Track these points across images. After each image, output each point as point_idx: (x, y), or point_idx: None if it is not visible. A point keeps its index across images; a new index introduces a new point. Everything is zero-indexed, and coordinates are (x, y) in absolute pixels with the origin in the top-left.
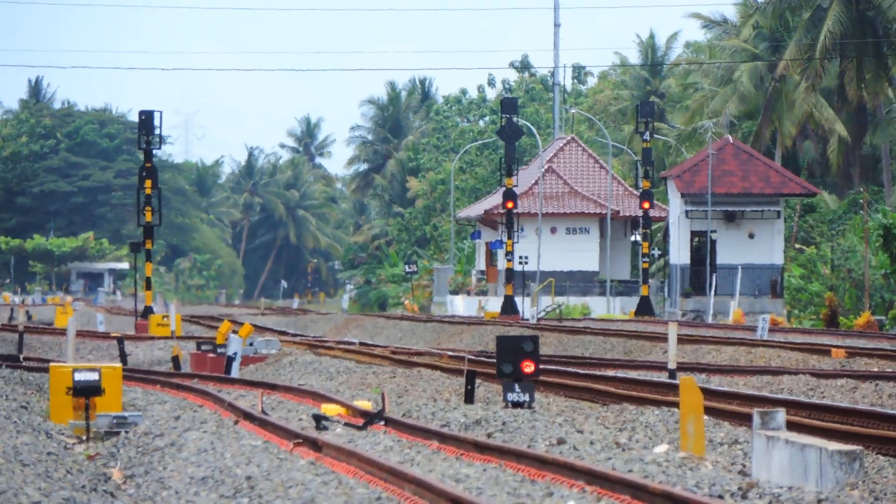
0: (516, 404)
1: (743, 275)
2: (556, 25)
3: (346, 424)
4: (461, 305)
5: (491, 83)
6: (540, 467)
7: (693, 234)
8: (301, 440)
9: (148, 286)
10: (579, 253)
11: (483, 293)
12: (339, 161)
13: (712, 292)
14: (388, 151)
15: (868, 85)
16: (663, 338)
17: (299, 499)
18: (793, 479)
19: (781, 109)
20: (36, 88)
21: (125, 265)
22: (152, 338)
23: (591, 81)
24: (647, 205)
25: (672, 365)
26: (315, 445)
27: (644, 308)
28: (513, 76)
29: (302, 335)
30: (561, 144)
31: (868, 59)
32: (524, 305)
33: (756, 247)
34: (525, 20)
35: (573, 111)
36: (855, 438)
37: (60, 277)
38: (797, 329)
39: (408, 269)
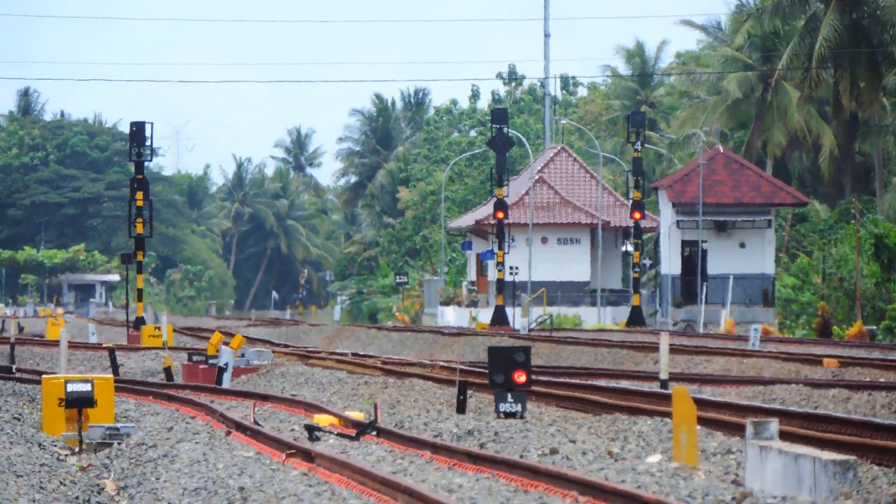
0: (508, 414)
1: (734, 284)
2: (546, 36)
3: (339, 435)
4: (452, 316)
5: (476, 95)
6: (533, 477)
7: (684, 243)
8: (294, 451)
9: (139, 298)
10: (570, 263)
11: (474, 304)
12: (329, 171)
13: (703, 302)
14: (377, 163)
15: (862, 94)
16: (655, 348)
17: None
18: (786, 488)
19: (773, 119)
20: (26, 100)
21: (116, 277)
22: (144, 349)
23: (582, 91)
24: (638, 215)
25: (664, 375)
26: (308, 456)
27: (635, 318)
28: (500, 87)
29: (294, 346)
30: (551, 154)
31: (861, 68)
32: (515, 316)
33: (747, 256)
34: (514, 31)
35: (564, 122)
36: (848, 448)
37: (52, 289)
38: (789, 339)
39: (398, 281)
